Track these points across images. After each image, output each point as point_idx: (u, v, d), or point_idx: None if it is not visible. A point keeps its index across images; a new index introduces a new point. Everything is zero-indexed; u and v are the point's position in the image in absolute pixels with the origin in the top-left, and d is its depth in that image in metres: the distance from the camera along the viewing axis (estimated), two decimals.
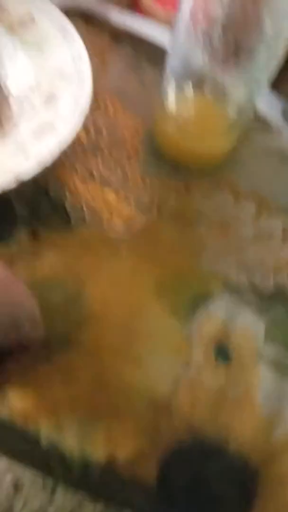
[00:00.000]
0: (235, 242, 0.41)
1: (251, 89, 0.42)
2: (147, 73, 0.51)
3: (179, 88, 0.43)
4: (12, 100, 0.44)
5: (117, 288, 0.36)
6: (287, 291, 0.39)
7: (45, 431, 0.30)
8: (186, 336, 0.35)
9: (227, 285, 0.38)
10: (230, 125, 0.45)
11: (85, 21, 0.52)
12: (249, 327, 0.36)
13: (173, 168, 0.44)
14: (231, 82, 0.43)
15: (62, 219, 0.40)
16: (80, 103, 0.40)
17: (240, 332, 0.36)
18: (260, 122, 0.49)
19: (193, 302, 0.37)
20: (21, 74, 0.44)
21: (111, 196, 0.42)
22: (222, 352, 0.35)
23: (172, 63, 0.43)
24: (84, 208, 0.40)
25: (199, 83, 0.43)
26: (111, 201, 0.41)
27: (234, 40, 0.41)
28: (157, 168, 0.44)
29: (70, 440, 0.30)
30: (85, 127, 0.44)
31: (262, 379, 0.34)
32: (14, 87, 0.44)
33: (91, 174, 0.43)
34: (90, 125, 0.45)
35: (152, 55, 0.51)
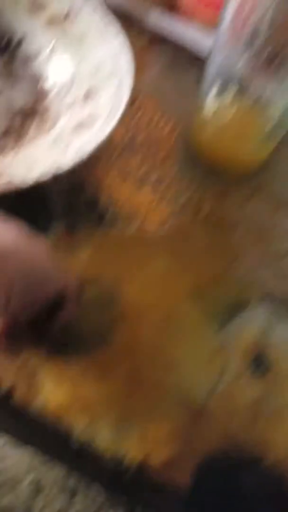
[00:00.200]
0: (273, 251, 0.39)
1: None
2: (186, 76, 0.50)
3: (219, 93, 0.42)
4: (51, 96, 0.44)
5: (152, 289, 0.35)
6: None
7: (78, 428, 0.29)
8: (222, 343, 0.34)
9: (265, 294, 0.37)
10: (269, 132, 0.44)
11: (125, 22, 0.51)
12: None
13: (210, 171, 0.43)
14: (272, 89, 0.42)
15: (97, 217, 0.39)
16: (120, 99, 0.39)
17: (279, 343, 0.34)
18: None
19: (229, 309, 0.36)
20: (61, 70, 0.44)
21: (146, 197, 0.41)
22: (260, 363, 0.34)
23: (213, 67, 0.43)
24: (120, 207, 0.40)
25: (239, 88, 0.42)
26: (146, 201, 0.41)
27: (277, 47, 0.41)
28: (193, 171, 0.43)
29: (103, 439, 0.29)
30: (122, 127, 0.43)
31: None
32: (53, 83, 0.44)
33: (128, 174, 0.42)
34: (127, 126, 0.44)
35: (191, 58, 0.51)
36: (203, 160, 0.44)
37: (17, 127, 0.42)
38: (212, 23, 0.51)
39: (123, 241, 0.38)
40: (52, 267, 0.30)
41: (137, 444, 0.29)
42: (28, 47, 0.45)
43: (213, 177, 0.42)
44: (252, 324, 0.35)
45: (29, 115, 0.43)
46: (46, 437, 0.30)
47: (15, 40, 0.45)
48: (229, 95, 0.42)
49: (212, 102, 0.43)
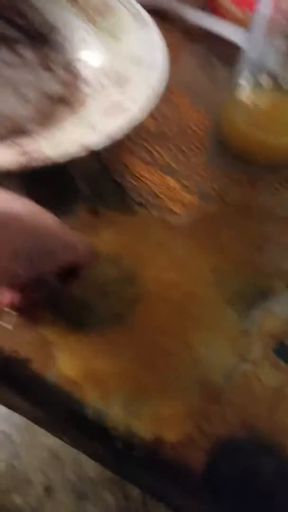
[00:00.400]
0: None
1: None
2: (217, 70, 0.50)
3: (254, 82, 0.42)
4: (81, 81, 0.44)
5: (173, 271, 0.35)
6: None
7: (91, 400, 0.29)
8: (243, 330, 0.33)
9: None
10: None
11: (160, 18, 0.52)
12: None
13: (238, 160, 0.43)
14: None
15: (123, 201, 0.39)
16: (152, 87, 0.39)
17: None
18: None
19: (253, 295, 0.35)
20: (92, 58, 0.45)
21: (172, 183, 0.41)
22: (283, 352, 0.33)
23: (248, 58, 0.43)
24: (145, 192, 0.40)
25: (273, 78, 0.42)
26: (173, 188, 0.41)
27: None
28: (221, 160, 0.43)
29: (116, 413, 0.28)
30: (152, 116, 0.44)
31: None
32: (85, 69, 0.45)
33: (155, 160, 0.42)
34: (157, 114, 0.45)
35: (223, 53, 0.51)
36: (234, 149, 0.43)
37: (48, 111, 0.43)
38: (243, 22, 0.51)
39: (146, 223, 0.38)
40: (62, 236, 0.30)
41: (149, 422, 0.29)
42: (64, 35, 0.46)
43: (242, 166, 0.42)
44: (276, 312, 0.35)
45: (60, 99, 0.43)
46: (58, 410, 0.30)
47: (52, 28, 0.47)
48: (263, 85, 0.42)
49: (245, 91, 0.43)
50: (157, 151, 0.43)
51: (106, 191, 0.40)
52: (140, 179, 0.40)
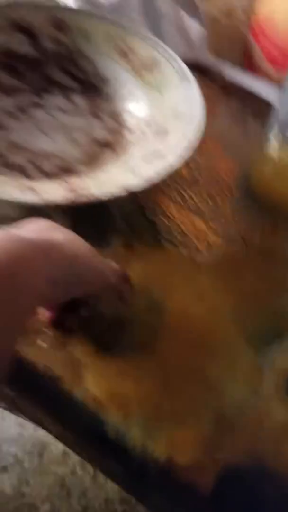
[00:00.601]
0: None
1: None
2: (249, 124, 0.54)
3: (282, 138, 0.46)
4: (125, 130, 0.49)
5: (197, 305, 0.38)
6: None
7: (113, 420, 0.32)
8: (258, 366, 0.36)
9: None
10: None
11: (200, 73, 0.57)
12: None
13: (263, 208, 0.46)
14: None
15: (154, 237, 0.43)
16: (189, 139, 0.44)
17: None
18: None
19: (270, 335, 0.38)
20: (137, 109, 0.50)
21: (200, 224, 0.45)
22: None
23: (279, 115, 0.47)
24: (175, 231, 0.43)
25: None
26: (200, 229, 0.44)
27: None
28: (247, 207, 0.46)
29: (135, 434, 0.31)
30: (185, 162, 0.48)
31: None
32: (129, 119, 0.50)
33: (186, 203, 0.46)
34: (191, 161, 0.49)
35: (256, 108, 0.55)
36: (260, 198, 0.47)
37: (94, 154, 0.47)
38: (277, 81, 0.55)
39: (175, 259, 0.41)
40: (97, 265, 0.33)
41: (164, 445, 0.31)
42: (113, 86, 0.52)
43: (267, 214, 0.45)
44: None
45: (106, 144, 0.48)
46: (81, 426, 0.33)
47: (103, 79, 0.52)
48: None
49: (274, 146, 0.47)
50: (188, 194, 0.47)
51: (140, 228, 0.44)
52: (171, 218, 0.44)
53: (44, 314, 0.35)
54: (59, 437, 0.38)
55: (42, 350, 0.34)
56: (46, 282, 0.29)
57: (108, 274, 0.34)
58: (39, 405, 0.34)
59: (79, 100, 0.52)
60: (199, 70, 0.57)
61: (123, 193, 0.38)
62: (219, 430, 0.32)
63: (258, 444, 0.32)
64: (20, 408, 0.37)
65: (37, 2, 0.54)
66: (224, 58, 0.59)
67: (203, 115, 0.45)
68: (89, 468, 0.98)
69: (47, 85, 0.52)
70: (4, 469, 0.87)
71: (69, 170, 0.46)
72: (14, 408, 0.38)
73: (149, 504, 0.34)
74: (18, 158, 0.45)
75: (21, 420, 0.65)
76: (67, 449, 1.04)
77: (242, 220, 0.45)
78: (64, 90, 0.52)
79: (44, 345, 0.35)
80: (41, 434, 0.87)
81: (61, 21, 0.53)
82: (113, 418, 0.32)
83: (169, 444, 0.31)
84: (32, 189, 0.39)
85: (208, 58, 0.59)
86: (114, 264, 0.37)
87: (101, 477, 0.89)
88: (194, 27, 0.61)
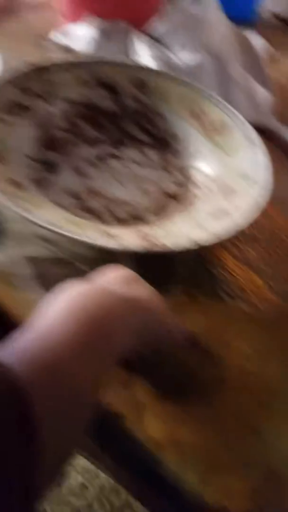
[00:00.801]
0: None
1: None
2: None
3: None
4: (193, 185, 0.53)
5: (253, 360, 0.40)
6: None
7: (170, 462, 0.33)
8: None
9: None
10: None
11: (265, 136, 0.61)
12: None
13: None
14: None
15: (214, 289, 0.45)
16: (255, 200, 0.47)
17: None
18: None
19: None
20: (205, 167, 0.53)
21: (258, 281, 0.47)
22: None
23: None
24: (234, 285, 0.46)
25: None
26: (259, 285, 0.46)
27: None
28: None
29: (189, 477, 0.33)
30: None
31: None
32: (197, 175, 0.53)
33: (245, 259, 0.49)
34: (254, 221, 0.51)
35: None
36: None
37: (162, 204, 0.51)
38: None
39: (233, 313, 0.43)
40: (171, 325, 0.37)
41: (217, 492, 0.33)
42: (184, 144, 0.56)
43: None
44: None
45: (173, 196, 0.52)
46: (138, 464, 0.35)
47: (176, 137, 0.56)
48: None
49: None
50: (248, 251, 0.50)
51: (201, 278, 0.46)
52: (231, 273, 0.47)
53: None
54: (108, 470, 0.40)
55: (110, 389, 0.37)
56: (131, 336, 0.32)
57: (179, 334, 0.37)
58: (98, 439, 0.36)
59: (151, 154, 0.56)
60: (265, 134, 0.61)
61: (194, 247, 0.41)
62: (270, 483, 0.34)
63: None
64: None
65: (121, 62, 0.59)
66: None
67: (271, 178, 0.48)
68: (106, 504, 0.98)
69: (124, 138, 0.57)
70: None
71: (139, 218, 0.49)
72: None
73: None
74: (95, 203, 0.50)
75: None
76: (86, 482, 1.03)
77: None
78: (139, 144, 0.57)
79: (112, 385, 0.37)
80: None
81: (141, 80, 0.58)
82: (170, 461, 0.33)
83: (222, 492, 0.33)
84: (110, 235, 0.43)
85: (274, 123, 0.62)
86: (184, 327, 0.39)
87: None
88: (262, 94, 0.65)
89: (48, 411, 0.25)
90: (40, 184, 0.49)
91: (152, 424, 0.35)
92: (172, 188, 0.53)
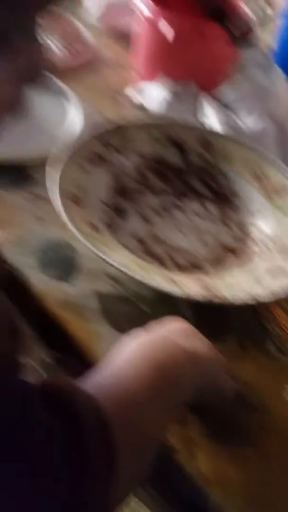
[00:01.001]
0: None
1: None
2: None
3: None
4: (251, 241, 0.56)
5: None
6: None
7: (215, 498, 0.36)
8: None
9: None
10: None
11: None
12: None
13: None
14: None
15: (265, 343, 0.48)
16: None
17: None
18: None
19: None
20: (264, 225, 0.57)
21: None
22: None
23: None
24: (286, 341, 0.48)
25: None
26: None
27: None
28: None
29: (232, 510, 0.35)
30: None
31: None
32: (255, 232, 0.57)
33: None
34: None
35: None
36: None
37: (220, 256, 0.55)
38: None
39: (282, 368, 0.46)
40: (222, 379, 0.40)
41: None
42: (244, 202, 0.60)
43: None
44: None
45: (231, 250, 0.56)
46: (185, 497, 0.37)
47: (236, 195, 0.61)
48: None
49: None
50: None
51: (254, 332, 0.49)
52: (283, 329, 0.49)
53: None
54: (151, 503, 0.42)
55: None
56: (191, 384, 0.36)
57: (229, 388, 0.40)
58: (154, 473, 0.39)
59: (212, 208, 0.60)
60: None
61: (252, 302, 0.44)
62: None
63: None
64: None
65: (190, 123, 0.65)
66: None
67: None
68: None
69: (187, 191, 0.62)
70: None
71: (197, 267, 0.53)
72: None
73: None
74: (157, 249, 0.54)
75: None
76: None
77: None
78: (201, 197, 0.61)
79: None
80: None
81: (207, 141, 0.64)
82: (216, 496, 0.36)
83: None
84: (173, 281, 0.47)
85: None
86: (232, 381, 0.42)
87: None
88: None
89: (123, 441, 0.28)
90: (111, 227, 0.54)
91: (202, 460, 0.37)
92: (230, 242, 0.57)
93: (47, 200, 0.52)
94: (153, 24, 0.71)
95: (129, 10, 0.79)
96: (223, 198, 0.61)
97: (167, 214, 0.59)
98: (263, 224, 0.57)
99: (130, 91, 0.77)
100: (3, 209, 0.55)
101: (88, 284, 0.49)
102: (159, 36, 0.70)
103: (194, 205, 0.61)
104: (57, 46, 0.79)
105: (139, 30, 0.75)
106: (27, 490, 0.24)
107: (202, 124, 0.69)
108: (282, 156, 0.65)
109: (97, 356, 0.43)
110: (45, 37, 0.79)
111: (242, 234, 0.58)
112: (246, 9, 0.76)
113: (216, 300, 0.44)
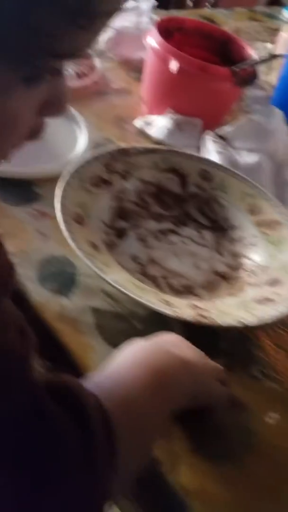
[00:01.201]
0: None
1: None
2: None
3: None
4: (243, 270, 0.59)
5: (282, 435, 0.44)
6: None
7: (195, 509, 0.37)
8: None
9: None
10: None
11: None
12: None
13: None
14: None
15: (251, 367, 0.50)
16: None
17: None
18: None
19: None
20: (256, 257, 0.60)
21: None
22: None
23: None
24: (270, 367, 0.51)
25: None
26: None
27: None
28: None
29: None
30: None
31: None
32: (248, 263, 0.60)
33: (282, 346, 0.54)
34: None
35: None
36: None
37: (213, 283, 0.57)
38: None
39: (267, 389, 0.48)
40: (213, 386, 0.42)
41: None
42: (238, 233, 0.63)
43: None
44: None
45: (224, 278, 0.58)
46: (163, 508, 0.38)
47: (231, 225, 0.64)
48: None
49: None
50: (285, 337, 0.55)
51: (240, 355, 0.51)
52: (269, 355, 0.52)
53: None
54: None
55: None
56: (183, 392, 0.38)
57: (222, 394, 0.42)
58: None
59: (208, 236, 0.63)
60: None
61: (239, 325, 0.47)
62: None
63: None
64: None
65: (191, 154, 0.68)
66: None
67: None
68: None
69: (185, 219, 0.65)
70: None
71: (191, 291, 0.56)
72: None
73: None
74: (154, 271, 0.56)
75: None
76: None
77: None
78: (198, 225, 0.64)
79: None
80: None
81: (206, 172, 0.67)
82: (195, 509, 0.37)
83: None
84: (166, 301, 0.49)
85: None
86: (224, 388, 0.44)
87: None
88: None
89: (123, 437, 0.30)
90: (111, 247, 0.57)
91: (185, 473, 0.39)
92: (223, 269, 0.59)
93: (51, 217, 0.54)
94: (161, 59, 0.75)
95: (140, 41, 0.84)
96: (219, 228, 0.64)
97: (165, 239, 0.62)
98: (255, 254, 0.60)
99: (135, 120, 0.81)
100: (8, 223, 0.57)
101: (85, 300, 0.51)
102: (166, 71, 0.74)
103: (190, 232, 0.64)
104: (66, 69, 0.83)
105: (148, 63, 0.80)
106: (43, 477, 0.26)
107: (202, 156, 0.72)
108: (276, 193, 0.69)
109: (88, 368, 0.45)
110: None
111: (235, 262, 0.60)
112: (251, 49, 0.81)
113: (204, 321, 0.46)
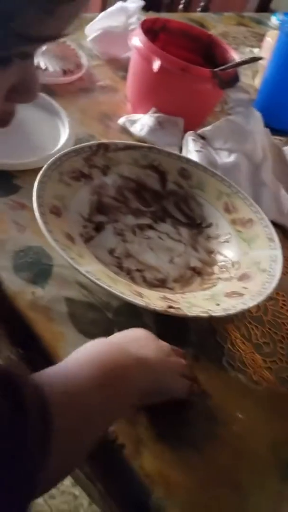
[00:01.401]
0: None
1: None
2: None
3: None
4: (216, 266, 0.61)
5: (243, 423, 0.45)
6: None
7: (157, 495, 0.38)
8: (279, 490, 0.42)
9: None
10: None
11: (284, 235, 0.69)
12: None
13: None
14: None
15: (218, 358, 0.52)
16: (266, 287, 0.54)
17: None
18: None
19: None
20: (229, 253, 0.62)
21: (258, 359, 0.53)
22: None
23: None
24: (237, 358, 0.52)
25: None
26: (258, 363, 0.53)
27: None
28: None
29: (172, 510, 0.38)
30: (257, 306, 0.58)
31: None
32: (221, 259, 0.61)
33: (250, 338, 0.55)
34: (261, 306, 0.59)
35: None
36: None
37: (186, 277, 0.59)
38: None
39: (233, 382, 0.49)
40: (175, 382, 0.43)
41: None
42: (213, 230, 0.64)
43: None
44: None
45: (198, 273, 0.60)
46: (126, 492, 0.40)
47: (207, 222, 0.65)
48: None
49: None
50: (253, 330, 0.56)
51: (209, 347, 0.53)
52: (235, 347, 0.53)
53: None
54: (97, 497, 0.44)
55: (118, 423, 0.42)
56: (138, 391, 0.39)
57: (183, 390, 0.44)
58: (97, 461, 0.42)
59: (184, 232, 0.65)
60: (285, 234, 0.70)
61: (206, 317, 0.48)
62: None
63: None
64: None
65: (170, 152, 0.69)
66: None
67: (280, 271, 0.56)
68: None
69: (163, 215, 0.66)
70: None
71: (164, 284, 0.57)
72: None
73: None
74: (129, 264, 0.58)
75: None
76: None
77: None
78: (175, 221, 0.66)
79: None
80: None
81: (185, 170, 0.68)
82: (158, 494, 0.38)
83: None
84: (138, 293, 0.50)
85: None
86: (186, 381, 0.45)
87: None
88: (287, 199, 0.74)
89: (63, 425, 0.31)
90: (87, 240, 0.58)
91: (148, 459, 0.40)
92: (198, 265, 0.61)
93: (30, 209, 0.55)
94: (144, 58, 0.76)
95: (125, 39, 0.85)
96: (195, 225, 0.66)
97: (142, 233, 0.63)
98: (228, 251, 0.62)
99: (119, 117, 0.82)
100: None
101: (59, 290, 0.52)
102: (150, 70, 0.75)
103: (168, 228, 0.65)
104: (51, 64, 0.84)
105: (132, 62, 0.81)
106: None
107: (181, 154, 0.73)
108: (252, 192, 0.70)
109: (59, 356, 0.46)
110: (40, 55, 0.84)
111: (209, 259, 0.62)
112: (234, 52, 0.83)
113: (172, 311, 0.48)
